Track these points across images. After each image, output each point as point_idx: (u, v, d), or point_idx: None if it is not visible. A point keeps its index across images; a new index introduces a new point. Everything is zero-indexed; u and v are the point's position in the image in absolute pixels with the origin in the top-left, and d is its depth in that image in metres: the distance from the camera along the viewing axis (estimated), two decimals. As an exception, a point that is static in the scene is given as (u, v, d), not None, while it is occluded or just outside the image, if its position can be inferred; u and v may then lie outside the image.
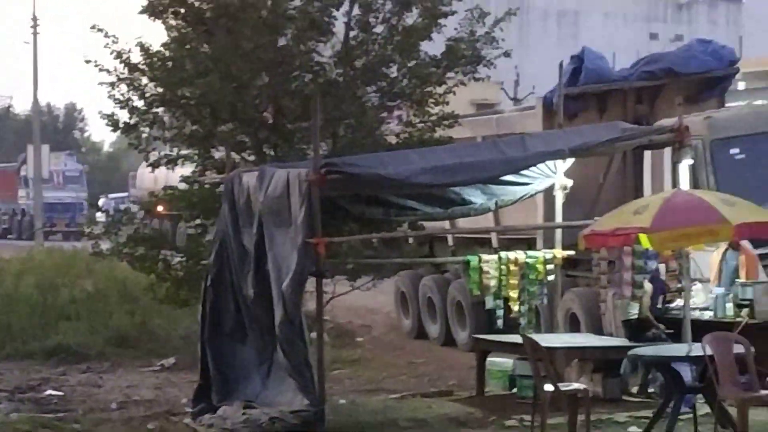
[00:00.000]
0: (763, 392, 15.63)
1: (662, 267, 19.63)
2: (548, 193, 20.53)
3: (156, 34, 23.31)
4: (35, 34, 71.00)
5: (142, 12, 22.81)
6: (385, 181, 18.15)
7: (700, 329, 17.40)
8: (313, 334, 18.15)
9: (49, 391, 24.59)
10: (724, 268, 20.22)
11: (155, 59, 22.72)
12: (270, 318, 17.95)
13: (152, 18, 22.93)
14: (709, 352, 15.55)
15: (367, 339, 27.80)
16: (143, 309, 27.71)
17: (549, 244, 20.80)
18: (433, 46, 23.23)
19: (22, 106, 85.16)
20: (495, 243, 23.35)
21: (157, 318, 27.14)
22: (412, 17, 22.91)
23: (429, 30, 22.95)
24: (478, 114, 27.81)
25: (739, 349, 15.80)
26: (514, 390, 19.54)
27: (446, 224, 24.02)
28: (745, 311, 19.03)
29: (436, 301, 26.69)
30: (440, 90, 23.16)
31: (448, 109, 23.48)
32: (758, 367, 15.95)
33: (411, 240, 25.09)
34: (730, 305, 19.42)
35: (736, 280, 19.81)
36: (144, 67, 22.72)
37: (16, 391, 24.68)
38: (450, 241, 25.53)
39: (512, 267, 19.39)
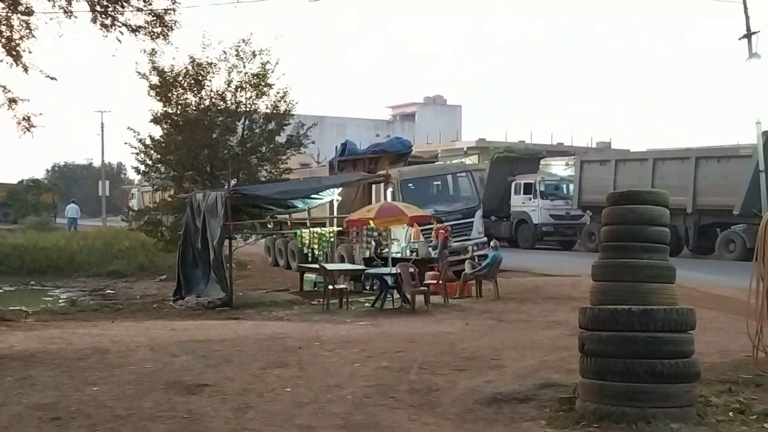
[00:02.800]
0: (421, 288, 16.08)
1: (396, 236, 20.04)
2: (331, 202, 20.37)
3: (156, 131, 22.80)
4: (102, 125, 67.43)
5: (150, 121, 22.17)
6: (259, 197, 18.15)
7: (395, 261, 17.57)
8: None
9: (108, 291, 24.29)
10: (407, 235, 20.16)
11: (156, 142, 22.33)
12: (208, 257, 17.63)
13: (155, 124, 22.46)
14: (398, 271, 16.04)
15: (252, 266, 27.01)
16: (152, 253, 26.74)
17: (331, 225, 20.55)
18: (281, 138, 23.06)
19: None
20: (308, 224, 23.37)
21: (158, 257, 26.69)
22: (272, 125, 22.62)
23: (279, 131, 22.63)
24: (301, 168, 27.82)
25: (411, 269, 16.23)
26: (316, 288, 19.18)
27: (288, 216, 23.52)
28: (414, 254, 19.29)
29: (283, 250, 25.96)
30: (284, 158, 23.03)
31: (288, 166, 23.23)
32: (419, 277, 16.56)
33: (272, 223, 25.00)
34: (408, 251, 19.63)
35: (411, 240, 20.02)
36: (151, 145, 22.22)
37: (92, 291, 24.33)
38: (289, 223, 25.27)
39: (315, 235, 19.33)
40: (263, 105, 22.60)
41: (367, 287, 19.27)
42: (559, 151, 42.46)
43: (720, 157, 25.47)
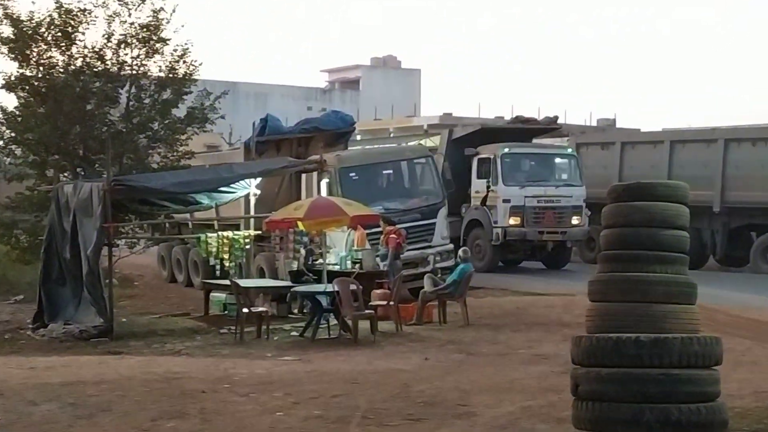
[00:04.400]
0: (367, 311, 16.16)
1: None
2: (247, 197, 20.31)
3: (10, 99, 22.56)
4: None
5: (1, 87, 21.91)
6: (150, 190, 18.09)
7: (332, 276, 17.57)
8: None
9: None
10: (348, 241, 20.27)
11: (9, 116, 21.99)
12: (80, 270, 17.57)
13: (8, 91, 22.16)
14: (336, 288, 16.05)
15: (141, 283, 26.84)
16: (2, 265, 25.82)
17: (247, 227, 20.55)
18: (179, 112, 22.96)
19: None
20: (216, 226, 23.31)
21: (11, 271, 26.20)
22: (167, 94, 22.64)
23: (177, 102, 22.64)
24: (207, 152, 27.66)
25: (353, 287, 16.30)
26: (226, 312, 19.20)
27: (188, 216, 23.40)
28: (357, 265, 19.29)
29: (182, 260, 25.91)
30: (183, 137, 22.99)
31: (189, 149, 23.18)
32: (364, 297, 16.56)
33: (167, 225, 24.76)
34: (349, 262, 19.64)
35: (353, 248, 20.02)
36: (2, 120, 21.93)
37: None
38: (190, 225, 25.05)
39: (225, 240, 19.31)
40: (155, 67, 22.54)
41: (295, 310, 19.30)
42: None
43: (756, 139, 25.95)
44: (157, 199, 18.50)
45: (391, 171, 23.27)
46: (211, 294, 19.80)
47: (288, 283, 18.95)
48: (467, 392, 10.96)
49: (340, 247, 20.37)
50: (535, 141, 28.39)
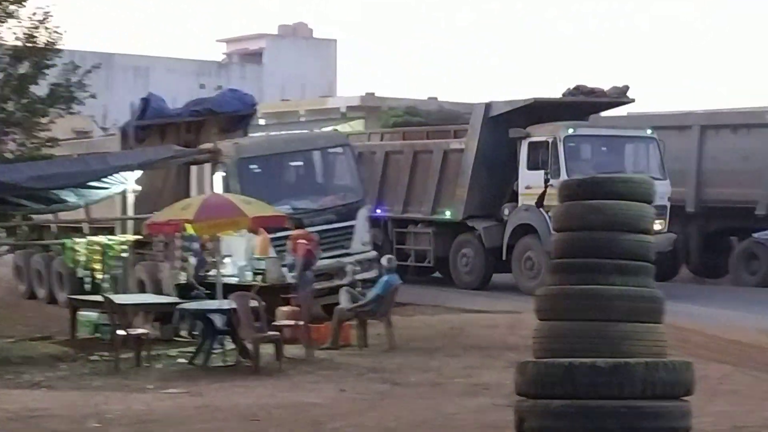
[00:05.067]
0: (270, 333, 16.12)
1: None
2: (124, 194, 20.08)
3: None
4: None
5: None
6: (2, 186, 17.92)
7: (229, 290, 17.48)
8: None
9: None
10: (248, 247, 20.17)
11: None
12: None
13: None
14: (233, 305, 16.00)
15: None
16: None
17: (124, 231, 20.40)
18: (40, 89, 22.73)
19: None
20: (86, 230, 23.03)
21: None
22: (24, 68, 22.38)
23: (36, 77, 22.35)
24: (75, 139, 27.28)
25: (254, 303, 16.27)
26: (98, 334, 18.89)
27: (51, 216, 23.11)
28: (259, 277, 19.33)
29: (43, 271, 25.51)
30: (44, 121, 22.75)
31: (52, 135, 22.85)
32: (267, 316, 16.55)
33: (24, 227, 24.41)
34: (249, 273, 19.64)
35: (254, 256, 19.98)
36: None
37: None
38: (53, 229, 24.65)
39: (96, 247, 19.13)
40: (10, 34, 22.17)
41: (183, 332, 19.15)
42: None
43: (738, 126, 26.32)
44: (11, 196, 18.34)
45: (300, 163, 23.27)
46: (79, 313, 19.43)
47: (174, 299, 18.81)
48: (393, 430, 10.94)
49: (238, 256, 20.29)
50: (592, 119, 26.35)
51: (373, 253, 22.31)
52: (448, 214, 25.19)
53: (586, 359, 7.38)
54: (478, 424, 11.22)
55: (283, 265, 19.67)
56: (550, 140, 23.06)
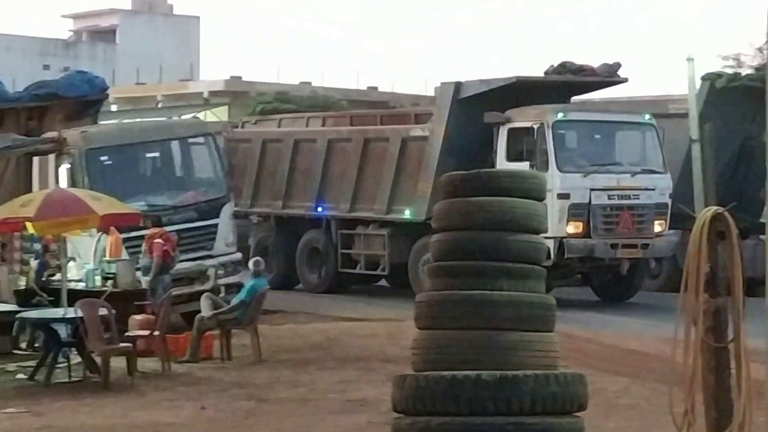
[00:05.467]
0: (122, 345, 15.96)
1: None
2: None
3: None
4: None
5: None
6: None
7: (75, 297, 17.12)
8: None
9: None
10: (98, 249, 20.13)
11: None
12: None
13: None
14: (80, 314, 15.77)
15: None
16: None
17: None
18: None
19: None
20: None
21: None
22: None
23: None
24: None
25: (103, 311, 16.05)
26: None
27: None
28: (110, 282, 19.14)
29: None
30: None
31: None
32: (119, 325, 16.37)
33: None
34: (99, 278, 19.42)
35: (104, 258, 19.85)
36: None
37: None
38: None
39: None
40: None
41: (23, 345, 18.78)
42: (374, 102, 43.22)
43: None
44: None
45: (157, 154, 23.21)
46: None
47: (13, 307, 18.52)
48: (257, 452, 10.97)
49: (87, 258, 20.20)
50: (576, 101, 25.67)
51: (238, 255, 22.25)
52: (407, 214, 23.80)
53: (470, 372, 7.41)
54: (354, 444, 11.25)
55: (137, 269, 19.53)
56: (536, 126, 22.16)
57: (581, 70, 24.06)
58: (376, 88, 52.10)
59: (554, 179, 21.44)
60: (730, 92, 25.16)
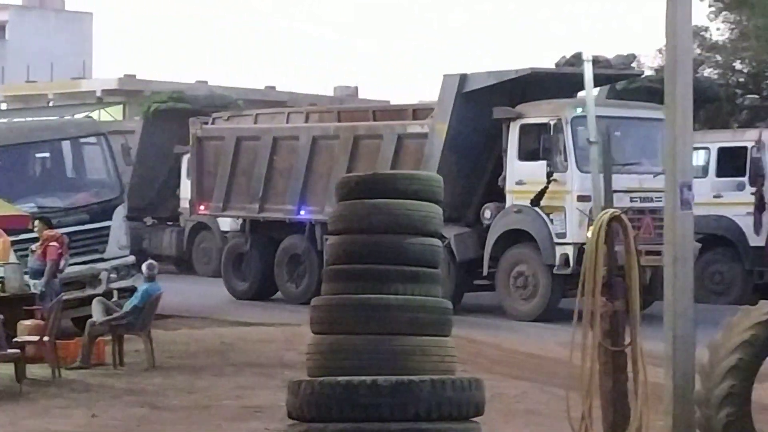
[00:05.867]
0: (10, 351, 15.63)
1: None
2: None
3: None
4: None
5: None
6: None
7: None
8: None
9: None
10: None
11: None
12: None
13: None
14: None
15: None
16: None
17: None
18: None
19: None
20: None
21: None
22: None
23: None
24: None
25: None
26: None
27: None
28: (-1, 287, 18.93)
29: None
30: None
31: None
32: (7, 330, 16.06)
33: None
34: (-14, 283, 19.20)
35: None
36: None
37: None
38: None
39: None
40: None
41: None
42: (272, 102, 43.17)
43: None
44: None
45: (47, 154, 22.98)
46: None
47: None
48: (150, 461, 10.91)
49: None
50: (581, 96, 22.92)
51: (131, 259, 22.10)
52: None
53: (366, 377, 7.43)
54: (249, 451, 11.24)
55: (26, 272, 19.32)
56: (553, 123, 20.77)
57: (596, 61, 22.30)
58: (274, 88, 52.02)
59: (573, 180, 20.49)
60: (631, 93, 25.31)
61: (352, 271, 8.12)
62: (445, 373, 7.75)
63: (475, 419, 7.72)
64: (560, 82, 22.54)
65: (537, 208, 20.52)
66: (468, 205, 22.01)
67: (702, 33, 32.84)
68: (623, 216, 7.71)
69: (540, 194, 20.31)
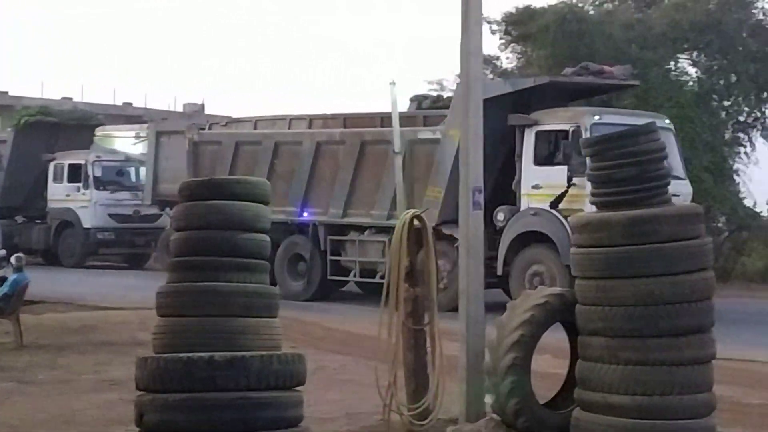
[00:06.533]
0: None
1: None
2: None
3: None
4: None
5: None
6: None
7: None
8: None
9: None
10: None
11: None
12: None
13: None
14: None
15: None
16: None
17: None
18: None
19: None
20: None
21: None
22: None
23: None
24: None
25: None
26: None
27: None
28: None
29: None
30: None
31: None
32: None
33: None
34: None
35: None
36: None
37: None
38: None
39: None
40: None
41: None
42: (127, 116, 42.73)
43: None
44: None
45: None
46: None
47: None
48: (16, 428, 10.65)
49: None
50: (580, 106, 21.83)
51: (2, 252, 21.61)
52: None
53: (204, 354, 7.41)
54: (105, 418, 11.08)
55: None
56: (571, 129, 19.03)
57: (601, 72, 20.96)
58: (131, 104, 51.48)
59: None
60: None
61: (193, 262, 8.13)
62: (272, 350, 7.79)
63: (298, 388, 7.73)
64: (569, 91, 21.16)
65: (554, 211, 18.82)
66: (487, 209, 20.20)
67: (494, 61, 33.41)
68: (423, 216, 7.79)
69: (560, 197, 18.70)
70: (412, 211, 7.82)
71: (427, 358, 7.78)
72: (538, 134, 19.40)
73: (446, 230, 19.02)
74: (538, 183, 19.16)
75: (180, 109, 53.79)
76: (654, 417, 8.27)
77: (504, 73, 33.49)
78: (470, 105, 10.01)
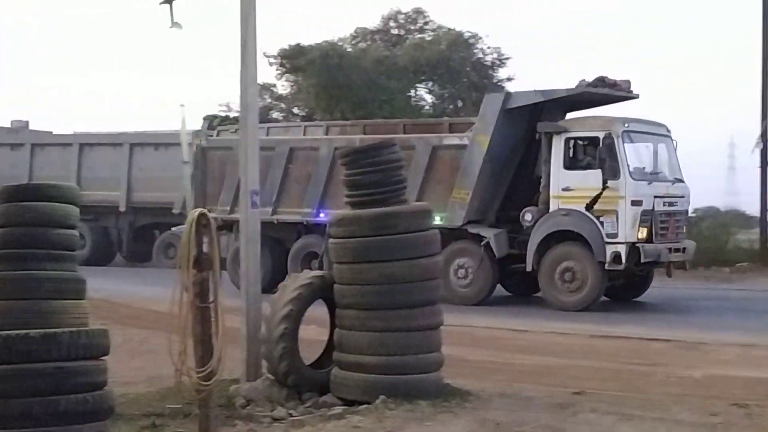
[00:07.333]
0: None
1: None
2: None
3: None
4: None
5: None
6: None
7: None
8: None
9: None
10: None
11: None
12: None
13: None
14: None
15: None
16: None
17: None
18: None
19: None
20: None
21: None
22: None
23: None
24: None
25: None
26: None
27: None
28: None
29: None
30: None
31: None
32: None
33: None
34: None
35: None
36: None
37: None
38: None
39: None
40: None
41: None
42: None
43: (158, 144, 27.08)
44: None
45: None
46: None
47: None
48: None
49: None
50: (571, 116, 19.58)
51: None
52: (438, 220, 16.81)
53: (21, 331, 7.19)
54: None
55: None
56: (603, 136, 17.26)
57: (615, 84, 18.95)
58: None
59: (628, 187, 17.14)
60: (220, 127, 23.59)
61: (14, 254, 7.89)
62: (80, 327, 7.62)
63: (103, 358, 7.55)
64: (581, 101, 19.09)
65: (587, 212, 17.17)
66: (501, 209, 18.57)
67: (272, 88, 33.42)
68: (208, 213, 7.78)
69: (595, 199, 17.07)
70: (199, 210, 7.77)
71: (212, 330, 7.71)
72: (567, 141, 17.73)
73: (472, 230, 18.09)
74: (569, 186, 17.49)
75: (9, 125, 51.34)
76: (396, 373, 8.68)
77: (280, 98, 33.52)
78: (248, 122, 10.00)
